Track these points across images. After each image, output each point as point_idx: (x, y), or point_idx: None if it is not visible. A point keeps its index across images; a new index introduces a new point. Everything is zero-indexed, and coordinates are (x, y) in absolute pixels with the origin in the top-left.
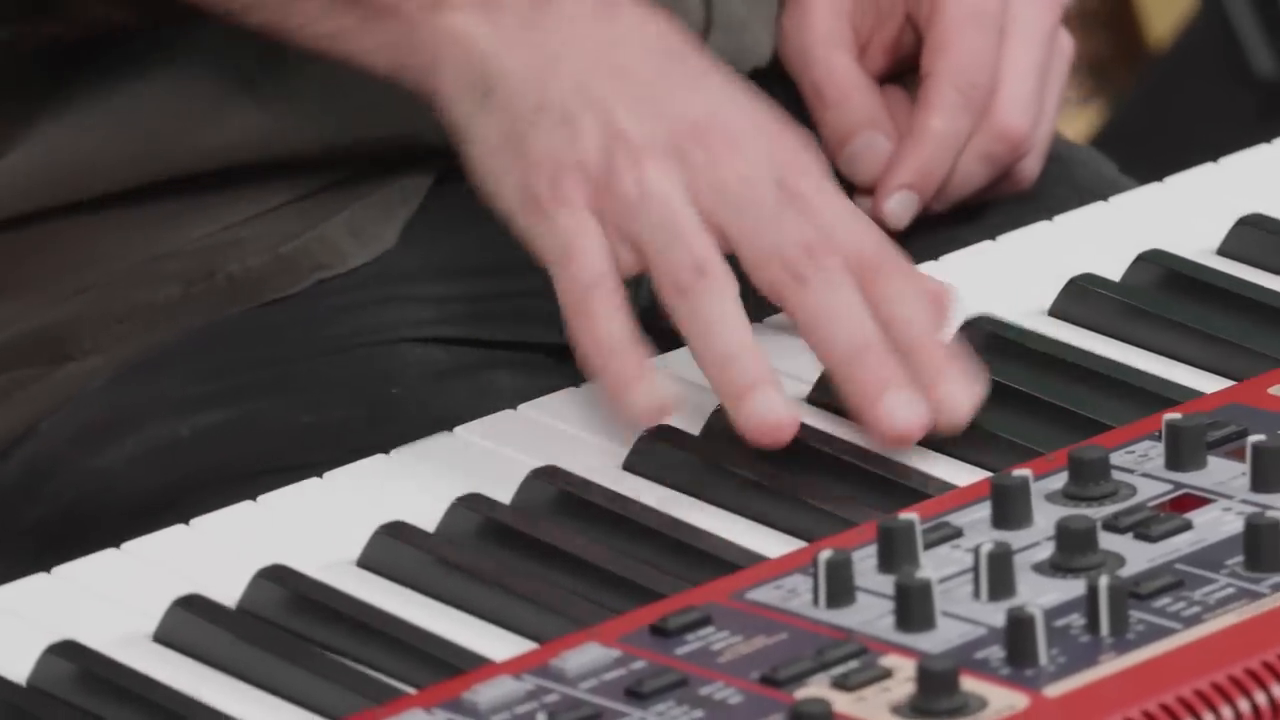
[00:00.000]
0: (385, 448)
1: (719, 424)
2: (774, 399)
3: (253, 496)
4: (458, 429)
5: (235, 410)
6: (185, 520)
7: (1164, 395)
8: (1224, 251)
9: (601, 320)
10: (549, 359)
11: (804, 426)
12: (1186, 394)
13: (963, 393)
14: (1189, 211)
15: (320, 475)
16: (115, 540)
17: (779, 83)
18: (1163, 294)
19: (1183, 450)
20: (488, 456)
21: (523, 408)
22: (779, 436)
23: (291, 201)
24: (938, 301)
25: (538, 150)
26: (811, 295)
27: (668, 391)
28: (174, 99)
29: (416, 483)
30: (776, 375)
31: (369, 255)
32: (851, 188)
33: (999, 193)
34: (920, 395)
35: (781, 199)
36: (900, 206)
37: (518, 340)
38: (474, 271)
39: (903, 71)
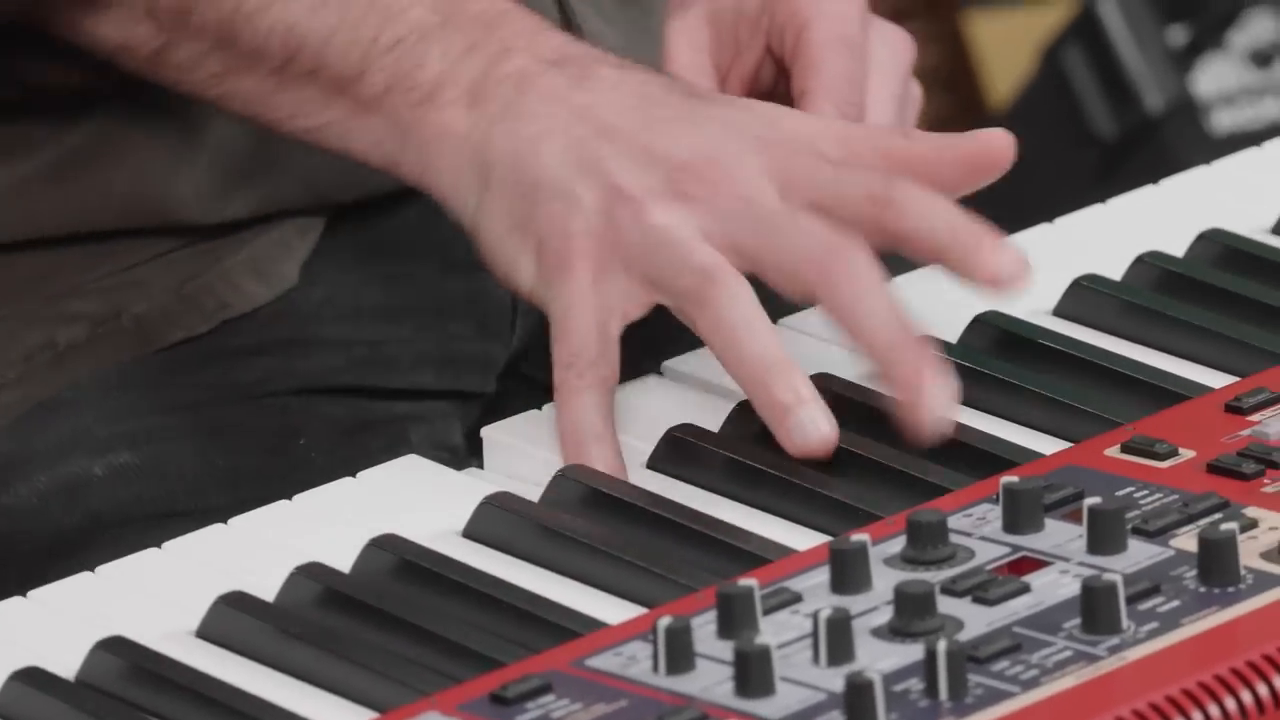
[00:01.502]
0: (294, 495)
1: (558, 489)
2: (816, 417)
3: (161, 539)
4: (296, 497)
5: (146, 451)
6: (96, 562)
7: (1001, 457)
8: (1060, 312)
9: (572, 407)
10: (453, 405)
11: (644, 493)
12: (1024, 456)
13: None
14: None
15: (226, 521)
16: (24, 578)
17: None
18: (998, 356)
19: (1020, 513)
20: (327, 524)
21: (362, 475)
22: (822, 453)
23: (192, 243)
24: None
25: (543, 226)
26: (845, 293)
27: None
28: (91, 153)
29: (258, 551)
30: (812, 387)
31: (272, 293)
32: None
33: None
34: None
35: (788, 207)
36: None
37: (417, 388)
38: (377, 314)
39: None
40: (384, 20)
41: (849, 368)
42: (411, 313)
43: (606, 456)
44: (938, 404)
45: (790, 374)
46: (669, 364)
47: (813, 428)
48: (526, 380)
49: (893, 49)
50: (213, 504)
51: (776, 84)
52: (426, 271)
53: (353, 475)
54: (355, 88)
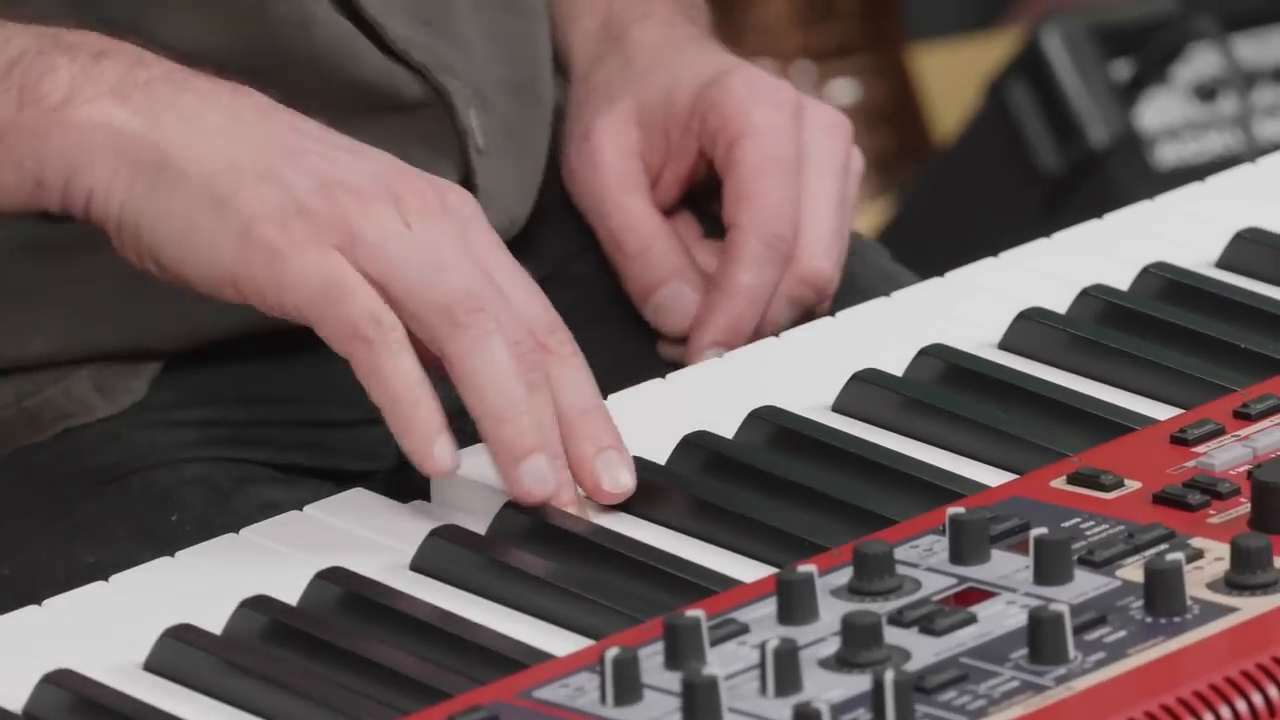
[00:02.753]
0: None
1: (504, 522)
2: (543, 467)
3: None
4: (244, 530)
5: (16, 561)
6: None
7: (947, 488)
8: (1006, 345)
9: (393, 357)
10: (327, 485)
11: (591, 525)
12: (970, 487)
13: (620, 463)
14: (971, 305)
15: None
16: None
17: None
18: (945, 388)
19: (966, 544)
20: (274, 558)
21: (309, 509)
22: (552, 502)
23: (36, 365)
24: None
25: (251, 207)
26: (466, 347)
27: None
28: None
29: (204, 584)
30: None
31: (118, 407)
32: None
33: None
34: (557, 463)
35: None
36: (711, 357)
37: (290, 465)
38: (236, 401)
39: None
40: None
41: (797, 399)
42: (286, 396)
43: (434, 405)
44: (529, 483)
45: (527, 423)
46: (614, 397)
47: (537, 478)
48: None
49: (830, 140)
50: None
51: (709, 181)
52: (305, 356)
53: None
54: None
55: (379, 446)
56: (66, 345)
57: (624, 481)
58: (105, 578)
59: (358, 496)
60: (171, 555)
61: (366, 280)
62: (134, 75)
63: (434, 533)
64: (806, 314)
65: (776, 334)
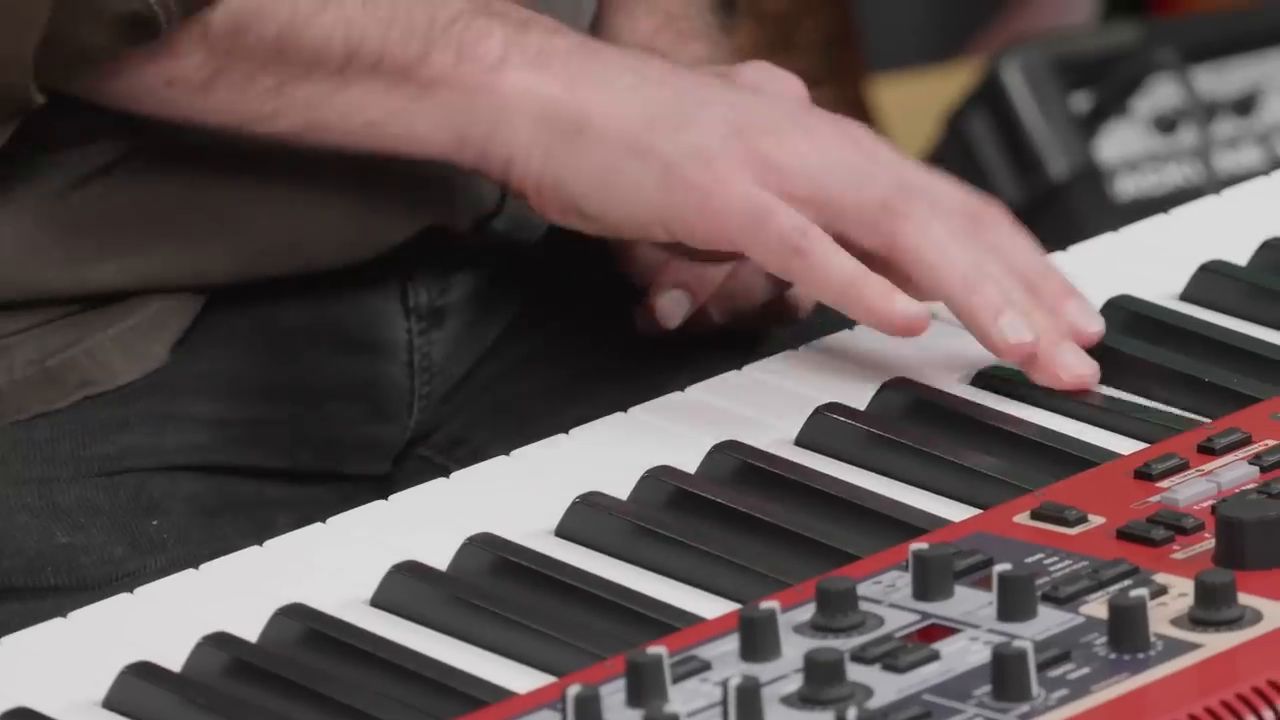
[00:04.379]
0: (142, 579)
1: (465, 558)
2: (1018, 321)
3: (3, 615)
4: (203, 566)
5: None
6: None
7: (911, 524)
8: (973, 381)
9: (831, 254)
10: (330, 490)
11: (553, 561)
12: (933, 523)
13: (1089, 312)
14: (940, 342)
15: (68, 599)
16: None
17: (560, 249)
18: (908, 422)
19: (929, 580)
20: (234, 593)
21: (269, 544)
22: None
23: (61, 317)
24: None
25: (670, 152)
26: (914, 231)
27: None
28: None
29: (165, 620)
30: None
31: (139, 372)
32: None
33: (779, 322)
34: (1033, 317)
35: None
36: (672, 303)
37: (294, 468)
38: (249, 392)
39: None
40: (434, 5)
41: (760, 433)
42: (294, 392)
43: (877, 278)
44: (1012, 338)
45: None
46: (576, 431)
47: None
48: (423, 461)
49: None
50: (48, 583)
51: None
52: (315, 353)
53: (206, 559)
54: (419, 70)
55: (383, 446)
56: (131, 275)
57: (1095, 327)
58: (76, 563)
59: (317, 532)
60: (129, 591)
61: (797, 202)
62: (554, 44)
63: (395, 568)
64: (779, 306)
65: (751, 304)
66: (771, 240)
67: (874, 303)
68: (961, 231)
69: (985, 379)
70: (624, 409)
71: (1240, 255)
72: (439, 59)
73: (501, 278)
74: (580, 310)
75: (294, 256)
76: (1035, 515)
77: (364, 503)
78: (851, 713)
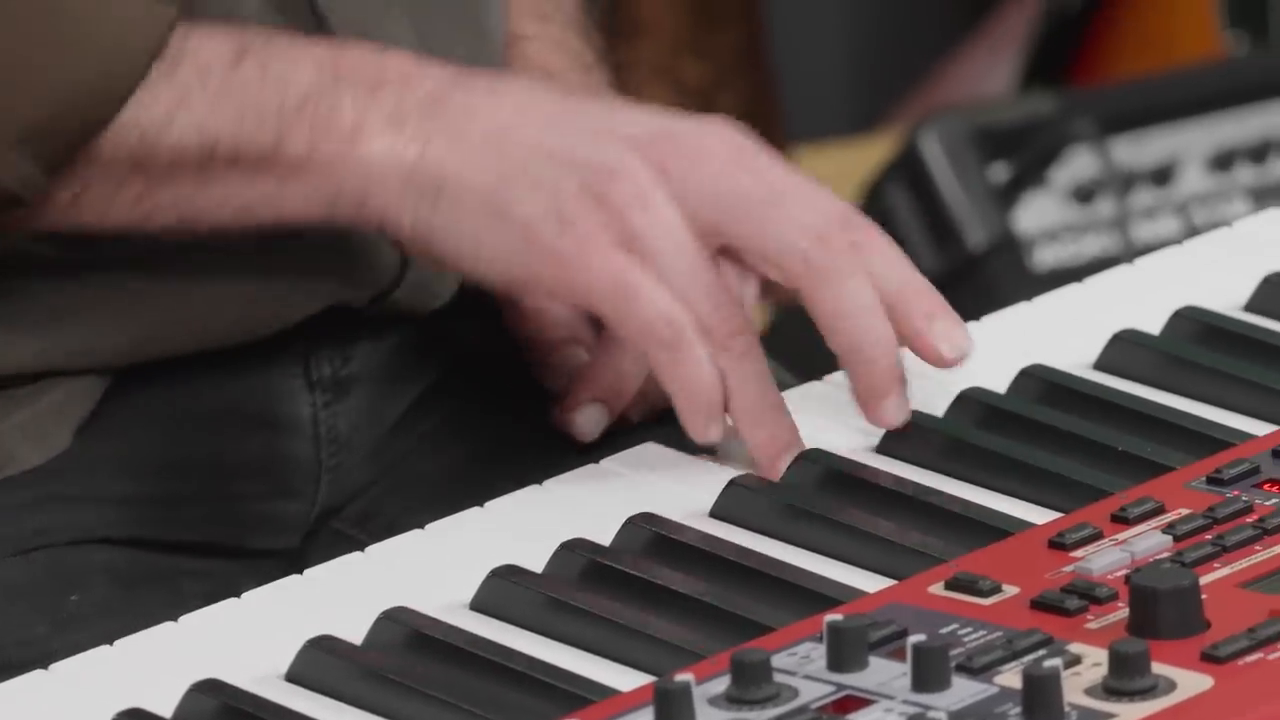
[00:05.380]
0: (64, 656)
1: (381, 633)
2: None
3: None
4: (118, 642)
5: None
6: None
7: (825, 595)
8: (883, 450)
9: (696, 362)
10: (237, 563)
11: (466, 634)
12: (847, 594)
13: (957, 327)
14: (849, 410)
15: None
16: None
17: (465, 318)
18: (822, 492)
19: (844, 651)
20: (149, 671)
21: (184, 619)
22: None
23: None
24: None
25: (526, 214)
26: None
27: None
28: None
29: (79, 700)
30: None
31: (44, 458)
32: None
33: None
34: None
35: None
36: (589, 421)
37: (207, 543)
38: (157, 472)
39: None
40: (281, 88)
41: (675, 504)
42: (201, 471)
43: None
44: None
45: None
46: (491, 503)
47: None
48: (335, 535)
49: None
50: None
51: None
52: (220, 430)
53: (126, 632)
54: (277, 156)
55: (289, 522)
56: (34, 359)
57: (953, 354)
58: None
59: (232, 608)
60: (45, 669)
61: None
62: (406, 101)
63: (310, 643)
64: None
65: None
66: (634, 324)
67: (695, 424)
68: (827, 247)
69: (893, 449)
70: (537, 479)
71: (1153, 324)
72: (295, 141)
73: (406, 348)
74: (489, 380)
75: (195, 335)
76: (949, 585)
77: (279, 576)
78: None
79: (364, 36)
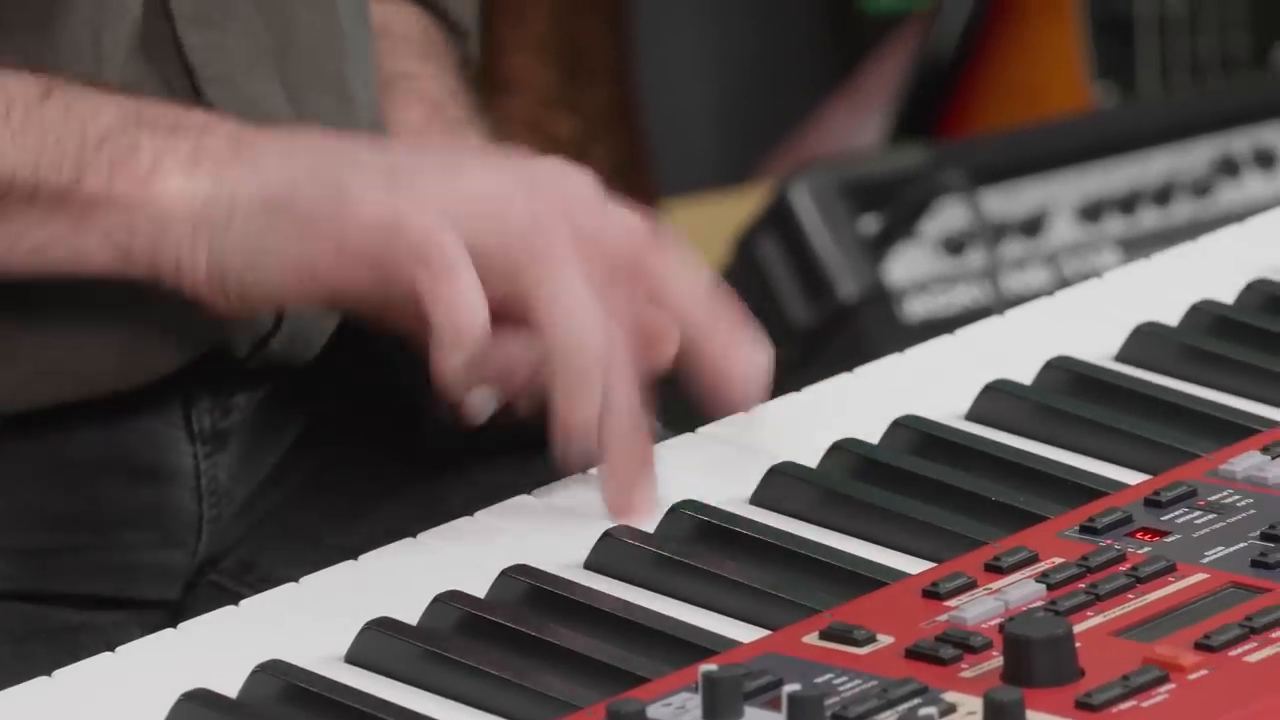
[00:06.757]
0: None
1: (257, 687)
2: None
3: None
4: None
5: None
6: None
7: (700, 645)
8: (757, 500)
9: (452, 279)
10: (130, 614)
11: (340, 688)
12: (723, 644)
13: (756, 351)
14: (722, 462)
15: None
16: None
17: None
18: (695, 543)
19: (719, 701)
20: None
21: (58, 674)
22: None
23: None
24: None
25: (307, 205)
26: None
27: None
28: None
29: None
30: None
31: None
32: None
33: None
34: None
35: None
36: (478, 402)
37: (94, 594)
38: (42, 523)
39: None
40: (82, 127)
41: (550, 557)
42: (85, 521)
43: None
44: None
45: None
46: (365, 556)
47: None
48: (214, 587)
49: None
50: None
51: None
52: (103, 481)
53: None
54: (74, 194)
55: (175, 571)
56: None
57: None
58: None
59: (105, 662)
60: None
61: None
62: (205, 144)
63: (184, 696)
64: None
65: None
66: (402, 251)
67: (446, 360)
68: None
69: (766, 499)
70: (409, 528)
71: (1025, 374)
72: (92, 180)
73: (280, 398)
74: (360, 429)
75: (72, 384)
76: (824, 635)
77: (163, 627)
78: None
79: (232, 89)
